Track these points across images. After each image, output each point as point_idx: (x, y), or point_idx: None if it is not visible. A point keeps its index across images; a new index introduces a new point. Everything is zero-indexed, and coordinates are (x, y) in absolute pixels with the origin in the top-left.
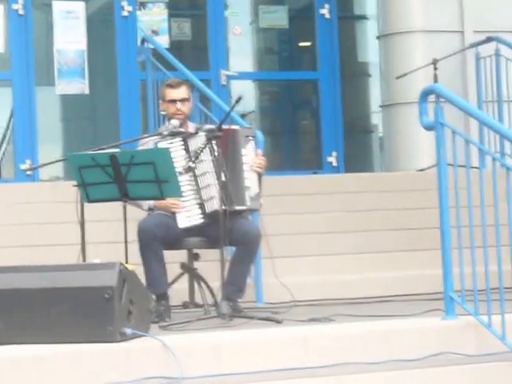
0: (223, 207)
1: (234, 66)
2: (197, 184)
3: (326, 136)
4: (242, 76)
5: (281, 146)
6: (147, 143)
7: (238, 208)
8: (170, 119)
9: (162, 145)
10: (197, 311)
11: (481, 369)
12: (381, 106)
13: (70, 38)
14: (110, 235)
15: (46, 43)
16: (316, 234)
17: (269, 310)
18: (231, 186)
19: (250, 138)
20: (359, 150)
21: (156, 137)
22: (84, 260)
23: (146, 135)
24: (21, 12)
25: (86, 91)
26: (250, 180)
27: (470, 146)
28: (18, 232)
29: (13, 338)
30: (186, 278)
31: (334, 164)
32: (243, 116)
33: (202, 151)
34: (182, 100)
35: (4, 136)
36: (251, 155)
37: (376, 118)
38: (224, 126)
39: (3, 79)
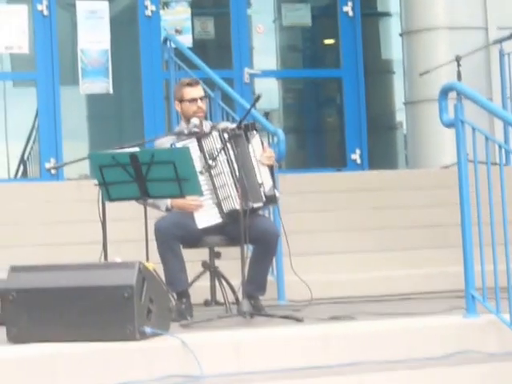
0: (241, 206)
1: (257, 64)
2: (213, 184)
3: (349, 133)
4: (266, 74)
5: (305, 143)
6: (163, 144)
7: (255, 205)
8: (187, 118)
9: (180, 145)
10: (218, 309)
11: (502, 367)
12: (404, 103)
13: (93, 37)
14: (132, 234)
15: (71, 43)
16: (339, 232)
17: (290, 308)
18: (247, 184)
19: (254, 132)
20: (383, 147)
21: (172, 136)
22: (105, 259)
23: (161, 135)
24: (45, 13)
25: (110, 90)
26: (261, 175)
27: (491, 143)
28: (41, 231)
29: (34, 336)
30: (207, 276)
31: (358, 161)
32: (267, 114)
33: (220, 151)
34: (201, 98)
35: (29, 135)
36: (258, 149)
37: (400, 115)
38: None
39: (28, 79)
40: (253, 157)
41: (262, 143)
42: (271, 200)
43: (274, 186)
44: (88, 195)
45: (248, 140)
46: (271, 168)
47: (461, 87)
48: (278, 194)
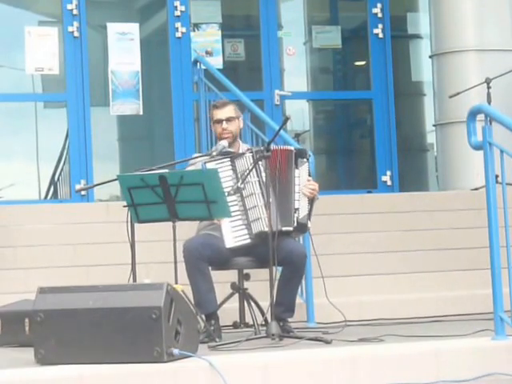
0: (270, 228)
1: (287, 86)
2: (244, 205)
3: (380, 155)
4: (296, 96)
5: (335, 165)
6: (196, 164)
7: (284, 229)
8: (219, 139)
9: (211, 165)
10: (247, 331)
11: None
12: (434, 125)
13: (124, 59)
14: (161, 255)
15: (101, 64)
16: (369, 254)
17: (319, 330)
18: (279, 207)
19: (305, 159)
20: (414, 169)
21: (205, 157)
22: (134, 280)
23: (195, 155)
24: (76, 34)
25: (140, 112)
26: (299, 202)
27: None
28: (70, 252)
29: (62, 357)
30: (236, 297)
31: (389, 183)
32: (297, 135)
33: (250, 172)
34: (228, 119)
35: (60, 156)
36: (304, 177)
37: (430, 137)
38: (274, 146)
39: (59, 100)
40: (297, 183)
41: (310, 174)
42: (302, 228)
43: (309, 217)
44: (117, 217)
45: (297, 165)
46: (311, 200)
47: (488, 109)
48: (309, 225)
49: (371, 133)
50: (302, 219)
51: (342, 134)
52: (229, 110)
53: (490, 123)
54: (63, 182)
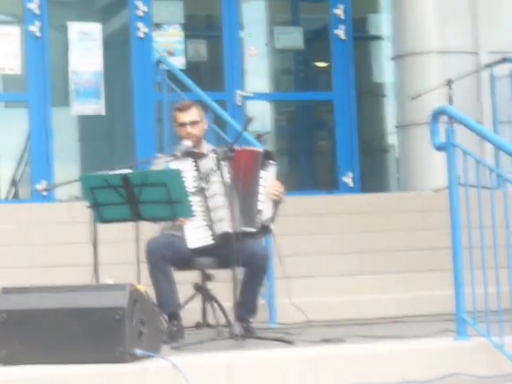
0: (233, 228)
1: (249, 86)
2: (207, 205)
3: (341, 156)
4: (258, 97)
5: (297, 165)
6: (160, 164)
7: (246, 230)
8: (182, 140)
9: (174, 165)
10: (209, 332)
11: None
12: (396, 127)
13: (86, 59)
14: (124, 256)
15: (63, 64)
16: (331, 255)
17: (282, 331)
18: (243, 208)
19: (272, 162)
20: (375, 170)
21: (168, 157)
22: (97, 281)
23: (158, 155)
24: (38, 34)
25: (102, 112)
26: (263, 203)
27: (482, 167)
28: (32, 252)
29: (24, 358)
30: (199, 298)
31: (350, 184)
32: (259, 136)
33: (214, 172)
34: (192, 123)
35: (21, 157)
36: (270, 180)
37: (392, 138)
38: (236, 147)
39: (20, 100)
40: (262, 185)
41: (277, 177)
42: (265, 230)
43: (272, 219)
44: (79, 217)
45: (263, 167)
46: (276, 203)
47: (452, 111)
48: (272, 228)
49: (333, 134)
50: (265, 221)
51: (304, 135)
52: (193, 114)
53: (453, 125)
54: (24, 183)
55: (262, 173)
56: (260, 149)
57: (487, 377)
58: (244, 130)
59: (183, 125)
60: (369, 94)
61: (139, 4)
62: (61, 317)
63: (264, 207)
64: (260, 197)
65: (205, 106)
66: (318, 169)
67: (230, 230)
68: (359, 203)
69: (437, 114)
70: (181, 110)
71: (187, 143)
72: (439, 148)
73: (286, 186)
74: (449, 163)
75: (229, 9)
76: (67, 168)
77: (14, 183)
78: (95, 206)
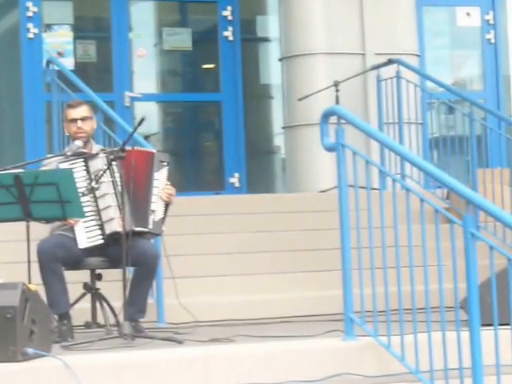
0: (123, 228)
1: (137, 87)
2: (97, 205)
3: (228, 157)
4: (146, 98)
5: (184, 166)
6: (51, 164)
7: (137, 229)
8: (73, 140)
9: (64, 165)
10: (99, 331)
11: None
12: (283, 128)
13: None
14: (15, 255)
15: None
16: (219, 255)
17: (171, 331)
18: (135, 207)
19: (165, 163)
20: (262, 172)
21: (59, 157)
22: None
23: (49, 155)
24: None
25: None
26: (156, 204)
27: (371, 168)
28: None
29: None
30: (88, 298)
31: (237, 185)
32: (147, 137)
33: (104, 172)
34: (83, 118)
35: None
36: (163, 181)
37: (278, 140)
38: (127, 148)
39: None
40: (155, 186)
41: (169, 178)
42: (156, 230)
43: (163, 221)
44: None
45: (156, 168)
46: (167, 205)
47: (342, 112)
48: (164, 228)
49: (220, 135)
50: (157, 222)
51: (191, 135)
52: (83, 110)
53: (342, 125)
54: None
55: (155, 174)
56: (153, 150)
57: (374, 376)
58: (136, 131)
59: (74, 121)
60: (256, 96)
61: (29, 5)
62: None
63: (157, 208)
64: (153, 198)
65: (94, 107)
66: (205, 170)
67: (120, 229)
68: (245, 204)
69: (327, 115)
70: (72, 106)
71: (78, 143)
72: (329, 148)
73: (174, 187)
74: (338, 164)
75: (118, 10)
76: None
77: None
78: None
